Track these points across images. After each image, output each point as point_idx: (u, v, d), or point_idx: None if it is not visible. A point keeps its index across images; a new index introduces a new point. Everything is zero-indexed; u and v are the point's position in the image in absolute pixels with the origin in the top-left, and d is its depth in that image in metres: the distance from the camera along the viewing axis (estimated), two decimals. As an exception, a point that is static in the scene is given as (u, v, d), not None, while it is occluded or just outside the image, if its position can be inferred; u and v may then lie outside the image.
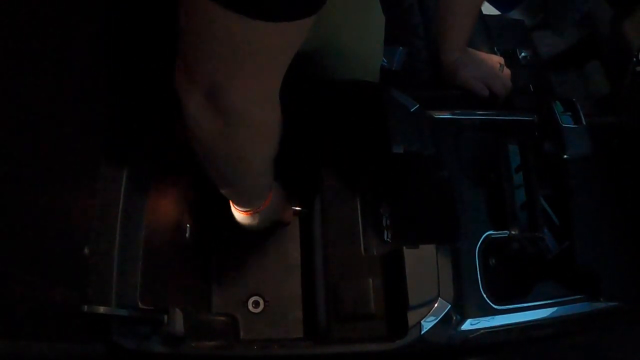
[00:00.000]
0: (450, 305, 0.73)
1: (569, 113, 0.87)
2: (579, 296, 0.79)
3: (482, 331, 0.76)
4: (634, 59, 0.96)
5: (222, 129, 0.57)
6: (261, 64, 0.52)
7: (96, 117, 0.74)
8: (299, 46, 0.56)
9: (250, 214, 0.84)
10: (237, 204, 0.83)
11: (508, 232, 0.80)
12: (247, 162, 0.67)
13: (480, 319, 0.76)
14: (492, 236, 0.81)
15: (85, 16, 0.69)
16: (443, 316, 0.72)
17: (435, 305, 0.72)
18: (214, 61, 0.51)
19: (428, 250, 0.75)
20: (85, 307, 0.64)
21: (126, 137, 0.77)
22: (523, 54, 1.20)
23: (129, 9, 0.78)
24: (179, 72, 0.55)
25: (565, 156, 0.84)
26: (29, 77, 0.59)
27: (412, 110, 0.86)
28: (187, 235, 0.87)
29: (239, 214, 0.85)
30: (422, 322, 0.71)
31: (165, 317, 0.71)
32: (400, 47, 1.18)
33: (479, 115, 0.93)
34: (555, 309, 0.78)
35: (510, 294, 0.79)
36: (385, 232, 0.82)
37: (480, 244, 0.80)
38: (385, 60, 1.15)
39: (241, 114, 0.56)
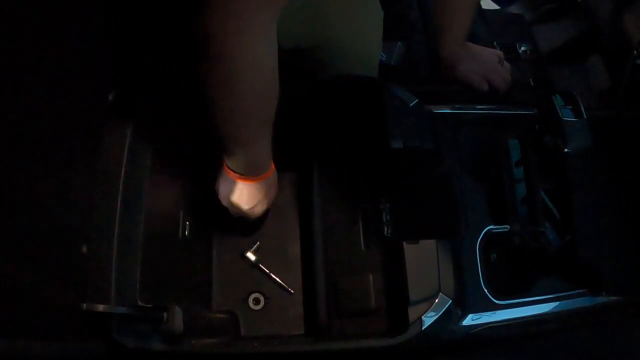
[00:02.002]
0: (451, 301, 0.72)
1: (570, 106, 0.87)
2: (580, 290, 0.79)
3: (483, 326, 0.76)
4: (635, 52, 0.96)
5: (203, 50, 0.57)
6: None
7: (94, 114, 0.74)
8: None
9: (256, 181, 0.79)
10: (245, 165, 0.77)
11: (509, 226, 0.80)
12: (240, 109, 0.65)
13: (482, 314, 0.76)
14: (493, 231, 0.81)
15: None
16: (444, 311, 0.72)
17: (436, 300, 0.72)
18: None
19: (428, 245, 0.75)
20: (85, 305, 0.64)
21: (124, 135, 0.77)
22: (523, 48, 1.20)
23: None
24: None
25: (566, 150, 0.84)
26: (25, 71, 0.59)
27: (411, 105, 0.85)
28: (186, 232, 0.87)
29: (244, 186, 0.79)
30: (423, 317, 0.71)
31: (165, 314, 0.70)
32: (399, 42, 1.17)
33: (479, 109, 0.93)
34: (556, 303, 0.78)
35: (511, 288, 0.79)
36: (385, 228, 0.82)
37: (481, 238, 0.80)
38: (384, 56, 1.14)
39: (219, 41, 0.55)
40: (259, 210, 0.86)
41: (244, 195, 0.81)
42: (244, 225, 0.90)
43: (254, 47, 0.57)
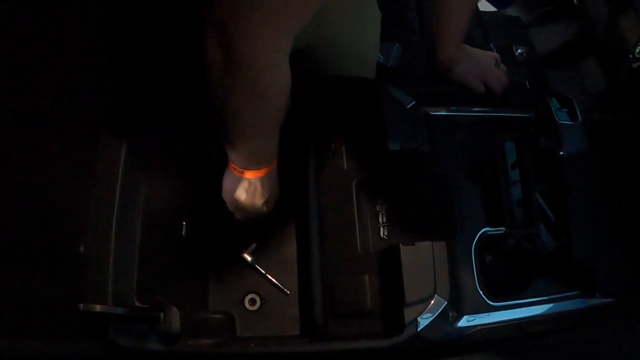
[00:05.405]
0: (446, 302, 0.73)
1: (565, 109, 0.87)
2: (575, 292, 0.80)
3: (478, 328, 0.76)
4: (630, 55, 0.96)
5: (226, 66, 0.62)
6: (268, 15, 0.57)
7: (93, 114, 0.74)
8: (310, 13, 0.61)
9: (261, 173, 0.81)
10: (252, 156, 0.80)
11: (504, 228, 0.80)
12: (259, 114, 0.71)
13: (477, 315, 0.76)
14: (489, 233, 0.81)
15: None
16: (439, 313, 0.72)
17: (432, 302, 0.72)
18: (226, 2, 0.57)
19: (424, 247, 0.75)
20: (82, 305, 0.64)
21: (122, 135, 0.77)
22: (519, 50, 1.20)
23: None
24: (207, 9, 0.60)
25: (561, 152, 0.84)
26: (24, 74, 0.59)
27: (408, 106, 0.86)
28: (183, 233, 0.87)
29: (257, 180, 0.82)
30: (418, 318, 0.72)
31: (162, 315, 0.71)
32: (397, 44, 1.17)
33: (475, 111, 0.93)
34: (551, 305, 0.79)
35: (506, 290, 0.79)
36: (382, 229, 0.82)
37: (477, 240, 0.80)
38: (381, 57, 1.14)
39: (241, 56, 0.61)
40: (271, 205, 0.88)
41: (258, 189, 0.83)
42: (240, 226, 0.90)
43: (277, 63, 0.65)
